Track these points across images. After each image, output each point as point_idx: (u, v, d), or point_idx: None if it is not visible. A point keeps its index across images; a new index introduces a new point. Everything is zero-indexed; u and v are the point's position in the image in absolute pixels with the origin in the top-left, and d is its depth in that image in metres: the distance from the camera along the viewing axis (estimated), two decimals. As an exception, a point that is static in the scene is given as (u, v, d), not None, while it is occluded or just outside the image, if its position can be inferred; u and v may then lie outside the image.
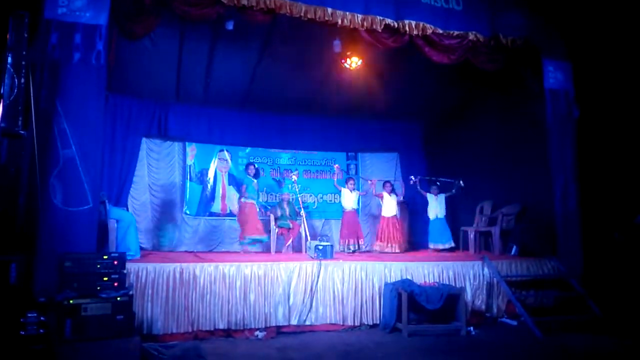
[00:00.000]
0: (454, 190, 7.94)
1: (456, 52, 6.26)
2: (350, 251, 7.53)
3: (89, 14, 4.70)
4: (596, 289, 5.94)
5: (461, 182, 7.82)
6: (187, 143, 8.62)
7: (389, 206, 7.88)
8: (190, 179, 8.59)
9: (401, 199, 8.20)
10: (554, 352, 4.74)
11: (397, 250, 7.60)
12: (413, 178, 7.99)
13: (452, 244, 7.88)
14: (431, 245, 7.95)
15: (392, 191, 7.98)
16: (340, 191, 8.11)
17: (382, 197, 7.98)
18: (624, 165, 6.35)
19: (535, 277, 6.20)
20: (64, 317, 3.68)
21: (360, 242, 7.75)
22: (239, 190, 8.15)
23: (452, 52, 6.25)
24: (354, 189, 8.11)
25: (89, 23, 4.68)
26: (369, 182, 8.45)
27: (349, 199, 7.94)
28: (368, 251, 8.05)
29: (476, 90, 8.17)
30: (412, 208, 8.91)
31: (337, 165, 8.62)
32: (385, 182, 8.17)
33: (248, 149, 9.10)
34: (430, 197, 8.05)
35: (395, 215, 7.90)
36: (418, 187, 8.04)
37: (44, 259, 4.11)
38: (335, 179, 8.30)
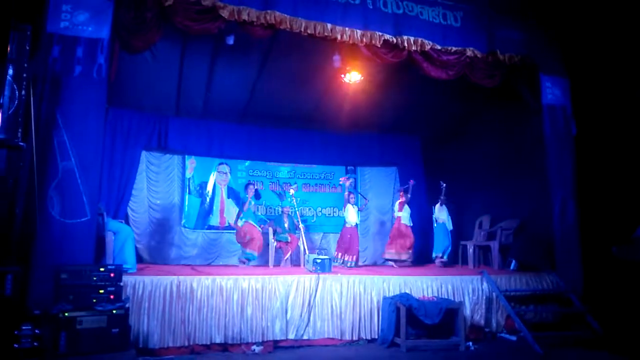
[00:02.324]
0: (442, 197, 7.90)
1: (454, 68, 6.32)
2: (347, 266, 7.46)
3: (91, 27, 4.76)
4: (595, 304, 5.90)
5: (442, 183, 7.84)
6: (186, 156, 8.64)
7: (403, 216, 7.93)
8: (189, 192, 8.59)
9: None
10: (553, 369, 4.70)
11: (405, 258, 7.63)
12: (412, 181, 8.08)
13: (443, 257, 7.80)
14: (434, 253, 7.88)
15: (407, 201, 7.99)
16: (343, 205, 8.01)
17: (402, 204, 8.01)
18: (622, 180, 6.37)
19: (535, 291, 6.17)
20: (58, 330, 3.65)
21: (354, 258, 7.61)
22: (238, 203, 8.15)
23: (450, 67, 6.31)
24: (354, 204, 8.04)
25: (91, 37, 4.74)
26: (365, 200, 8.46)
27: (353, 213, 7.85)
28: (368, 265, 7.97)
29: (475, 106, 8.22)
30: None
31: (347, 180, 8.39)
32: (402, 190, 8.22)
33: (247, 162, 9.11)
34: (436, 207, 8.04)
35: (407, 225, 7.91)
36: (408, 194, 8.00)
37: (40, 270, 4.09)
38: (347, 196, 8.01)
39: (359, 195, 8.54)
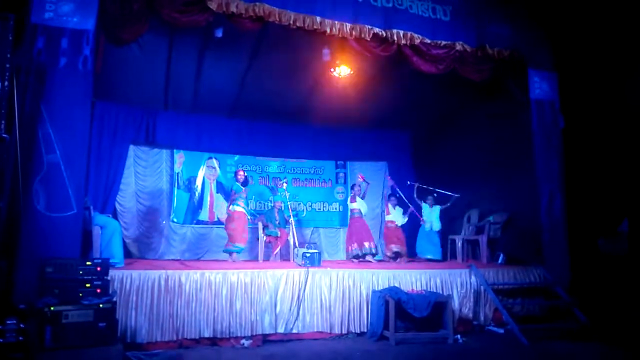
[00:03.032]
0: (449, 204, 7.82)
1: (444, 62, 6.33)
2: (370, 254, 7.26)
3: (76, 18, 4.67)
4: (582, 297, 5.98)
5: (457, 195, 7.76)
6: (175, 150, 8.57)
7: (395, 219, 7.83)
8: (178, 187, 8.53)
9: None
10: (540, 360, 4.75)
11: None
12: (411, 183, 8.04)
13: (436, 257, 7.76)
14: (428, 256, 7.74)
15: (398, 204, 7.92)
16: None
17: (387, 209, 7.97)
18: (609, 174, 6.45)
19: (522, 285, 6.23)
20: (44, 324, 3.59)
21: (372, 245, 7.39)
22: (227, 198, 8.08)
23: (440, 62, 6.32)
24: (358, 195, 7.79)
25: (76, 28, 4.65)
26: (359, 176, 8.24)
27: (361, 203, 7.69)
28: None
29: (464, 100, 8.25)
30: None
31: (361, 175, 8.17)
32: (389, 196, 8.12)
33: (237, 157, 9.07)
34: (425, 207, 7.93)
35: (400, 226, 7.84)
36: (414, 195, 7.99)
37: (25, 264, 4.03)
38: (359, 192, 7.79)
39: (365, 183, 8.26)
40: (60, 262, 3.94)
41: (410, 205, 7.85)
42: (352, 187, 8.05)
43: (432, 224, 7.83)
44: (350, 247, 7.45)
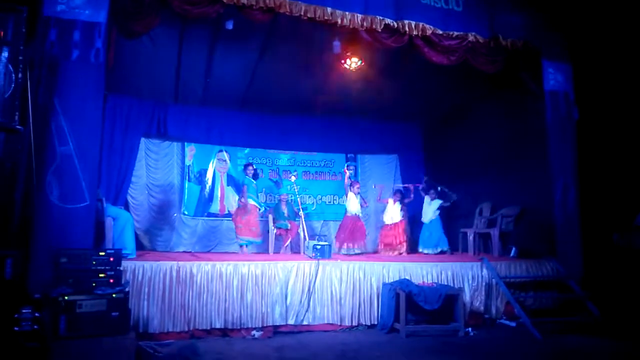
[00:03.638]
0: (448, 203, 7.99)
1: (456, 53, 6.26)
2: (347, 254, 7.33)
3: (88, 11, 4.69)
4: (595, 291, 5.91)
5: (455, 196, 7.96)
6: (186, 143, 8.63)
7: (392, 213, 7.87)
8: (189, 180, 8.58)
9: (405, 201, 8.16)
10: (552, 354, 4.69)
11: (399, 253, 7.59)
12: (426, 178, 8.15)
13: (442, 249, 7.83)
14: (420, 249, 8.00)
15: (400, 200, 7.95)
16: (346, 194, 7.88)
17: (386, 203, 7.98)
18: (624, 167, 6.34)
19: (535, 278, 6.17)
20: (58, 313, 3.64)
21: (357, 246, 7.48)
22: (238, 190, 8.11)
23: (452, 53, 6.24)
24: (358, 194, 7.85)
25: (88, 20, 4.67)
26: (375, 187, 8.38)
27: (354, 203, 7.74)
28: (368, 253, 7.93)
29: (476, 92, 8.16)
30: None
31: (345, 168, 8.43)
32: (397, 191, 8.21)
33: (247, 150, 9.10)
34: (425, 200, 8.03)
35: (397, 222, 7.86)
36: (420, 188, 8.00)
37: (39, 255, 4.09)
38: (346, 182, 8.02)
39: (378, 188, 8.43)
40: (74, 253, 3.98)
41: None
42: (351, 185, 7.90)
43: (430, 217, 8.01)
44: (341, 245, 7.46)
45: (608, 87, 6.55)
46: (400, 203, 7.97)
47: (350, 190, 7.81)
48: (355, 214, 7.71)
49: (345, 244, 7.47)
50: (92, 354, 3.65)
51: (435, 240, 7.90)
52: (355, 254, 7.28)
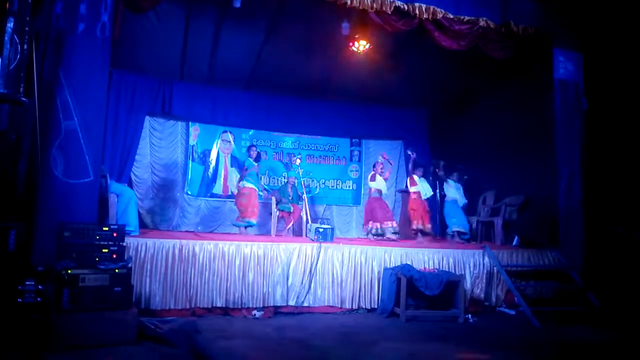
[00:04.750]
0: (439, 172, 7.72)
1: (466, 38, 6.17)
2: (393, 232, 6.94)
3: (95, -16, 4.63)
4: (596, 282, 5.91)
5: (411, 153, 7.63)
6: (190, 123, 8.56)
7: (424, 189, 7.54)
8: (193, 159, 8.55)
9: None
10: (550, 342, 4.72)
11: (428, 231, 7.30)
12: (410, 153, 7.67)
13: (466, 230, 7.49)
14: (455, 228, 7.46)
15: (422, 176, 7.65)
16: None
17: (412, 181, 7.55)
18: (630, 160, 6.28)
19: (536, 267, 6.18)
20: (61, 286, 3.66)
21: (394, 225, 7.06)
22: (241, 172, 8.09)
23: (462, 37, 6.16)
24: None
25: (95, -7, 4.61)
26: (382, 155, 7.91)
27: (382, 183, 7.43)
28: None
29: (483, 80, 8.05)
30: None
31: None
32: (418, 166, 7.71)
33: (251, 131, 9.04)
34: (449, 184, 7.68)
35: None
36: (410, 166, 7.68)
37: (43, 228, 4.11)
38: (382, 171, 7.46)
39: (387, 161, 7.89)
40: (77, 227, 3.99)
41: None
42: (374, 166, 7.59)
43: (458, 200, 7.66)
44: (369, 225, 7.07)
45: (618, 79, 6.45)
46: (424, 178, 7.64)
47: (414, 173, 7.52)
48: (385, 194, 7.47)
49: (379, 223, 7.00)
50: (95, 327, 3.68)
51: (466, 221, 7.58)
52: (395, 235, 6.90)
